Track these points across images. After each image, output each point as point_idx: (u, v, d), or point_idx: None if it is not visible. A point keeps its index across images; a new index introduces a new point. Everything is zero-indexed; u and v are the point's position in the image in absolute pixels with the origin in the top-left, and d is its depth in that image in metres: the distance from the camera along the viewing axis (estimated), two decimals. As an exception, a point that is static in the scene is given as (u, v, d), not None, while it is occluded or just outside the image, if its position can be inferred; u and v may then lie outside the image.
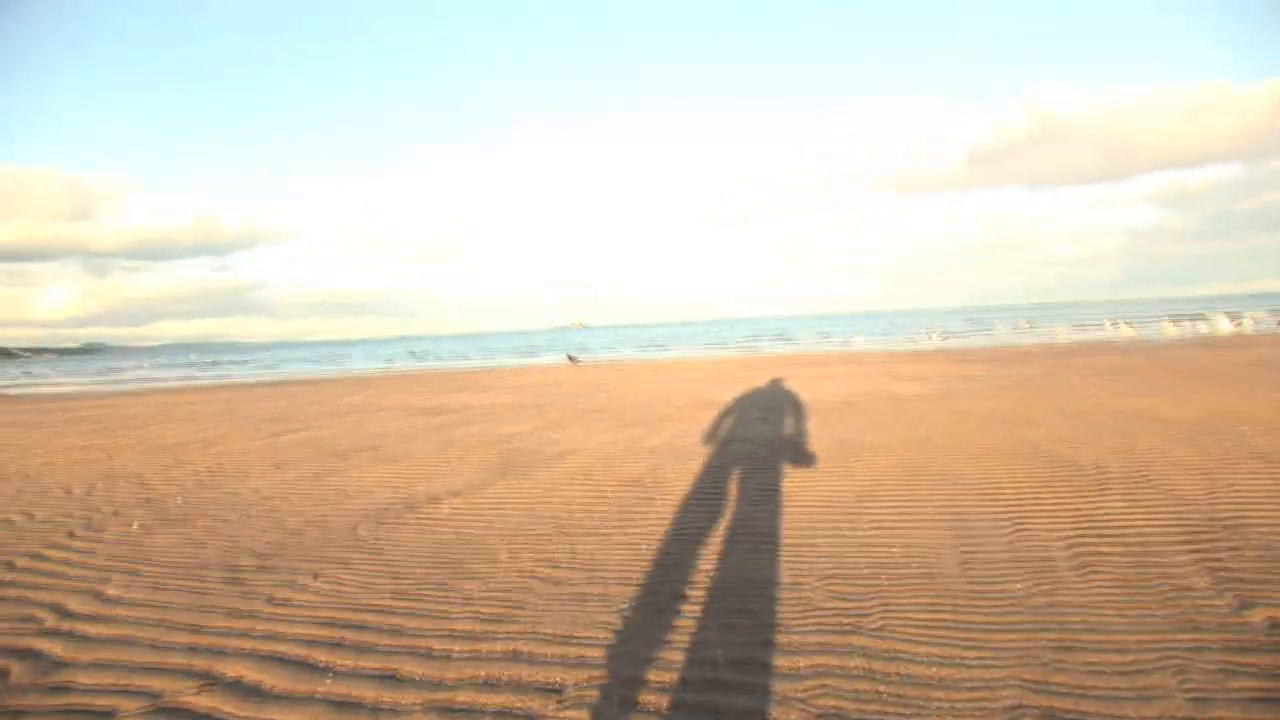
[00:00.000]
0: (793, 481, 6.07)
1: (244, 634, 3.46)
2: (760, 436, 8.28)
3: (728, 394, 13.19)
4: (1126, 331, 30.46)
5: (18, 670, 3.18)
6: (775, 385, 14.28)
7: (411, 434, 10.15)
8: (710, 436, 8.58)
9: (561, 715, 2.63)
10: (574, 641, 3.20)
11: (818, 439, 8.00)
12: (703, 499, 5.67)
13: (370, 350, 73.79)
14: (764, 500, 5.52)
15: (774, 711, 2.59)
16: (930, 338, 36.53)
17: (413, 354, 52.29)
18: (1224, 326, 29.68)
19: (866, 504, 5.29)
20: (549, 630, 3.32)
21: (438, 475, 7.20)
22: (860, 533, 4.59)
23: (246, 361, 59.06)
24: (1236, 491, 5.08)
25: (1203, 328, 30.19)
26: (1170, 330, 29.95)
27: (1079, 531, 4.38)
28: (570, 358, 34.31)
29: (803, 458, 7.06)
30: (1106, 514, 4.71)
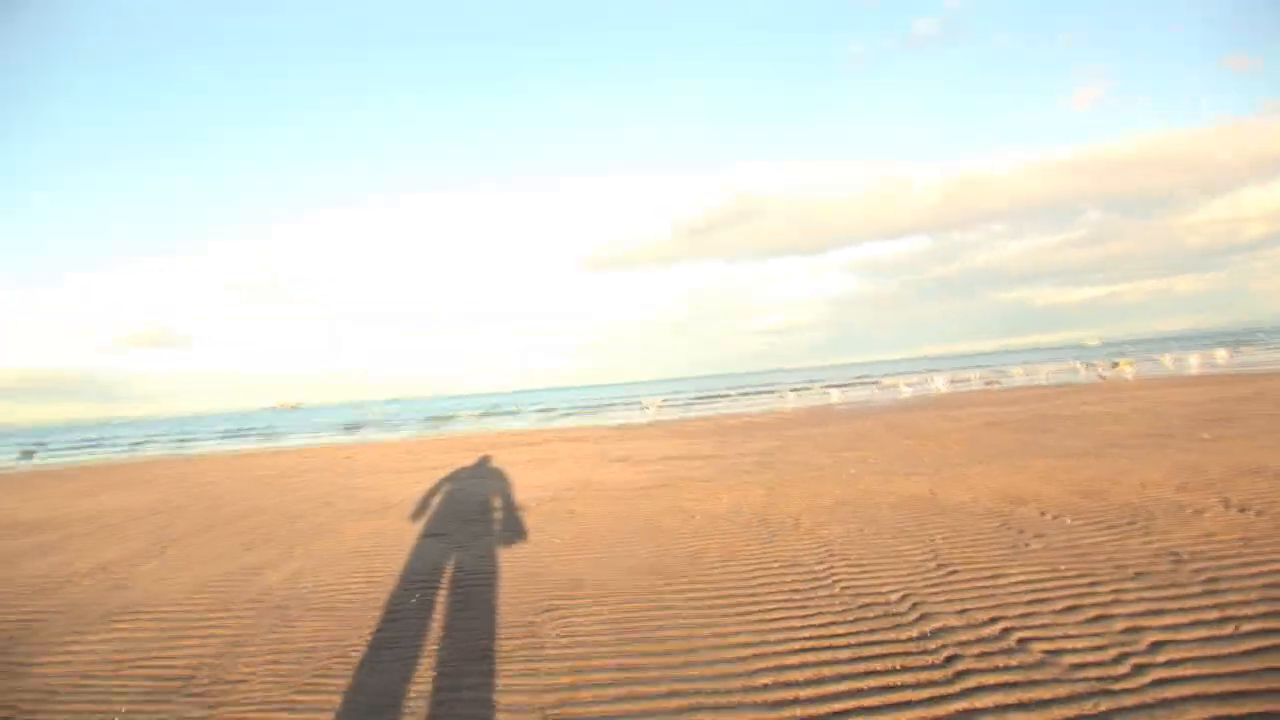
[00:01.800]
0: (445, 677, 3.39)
1: None
2: (425, 568, 5.50)
3: (414, 489, 10.11)
4: (835, 395, 30.93)
5: None
6: (473, 478, 10.99)
7: None
8: (358, 568, 5.80)
9: None
10: None
11: (508, 571, 5.43)
12: None
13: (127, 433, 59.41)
14: None
15: None
16: (646, 410, 35.20)
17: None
18: (939, 385, 31.28)
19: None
20: None
21: None
22: None
23: None
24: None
25: (907, 390, 31.31)
26: (899, 389, 30.95)
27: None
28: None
29: (478, 616, 4.37)
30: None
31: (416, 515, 8.08)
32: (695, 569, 5.00)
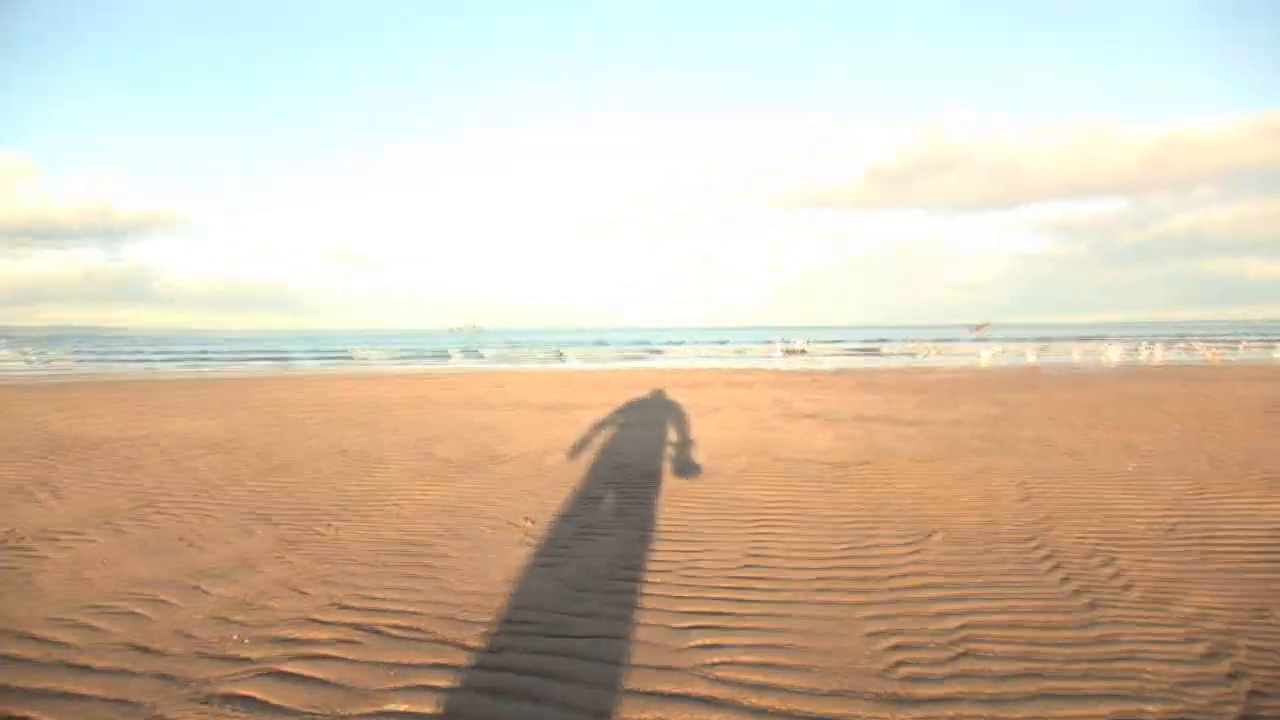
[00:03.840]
0: None
1: None
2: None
3: (537, 436, 8.41)
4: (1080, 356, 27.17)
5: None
6: (617, 425, 9.37)
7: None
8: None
9: None
10: None
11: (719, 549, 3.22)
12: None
13: (299, 346, 63.43)
14: None
15: None
16: (798, 349, 32.59)
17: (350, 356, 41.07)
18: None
19: None
20: None
21: None
22: None
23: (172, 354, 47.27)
24: None
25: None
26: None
27: None
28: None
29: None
30: None
31: (513, 482, 6.51)
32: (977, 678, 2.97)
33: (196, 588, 3.80)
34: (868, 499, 5.43)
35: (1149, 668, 2.80)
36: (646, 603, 3.56)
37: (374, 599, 3.65)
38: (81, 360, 35.90)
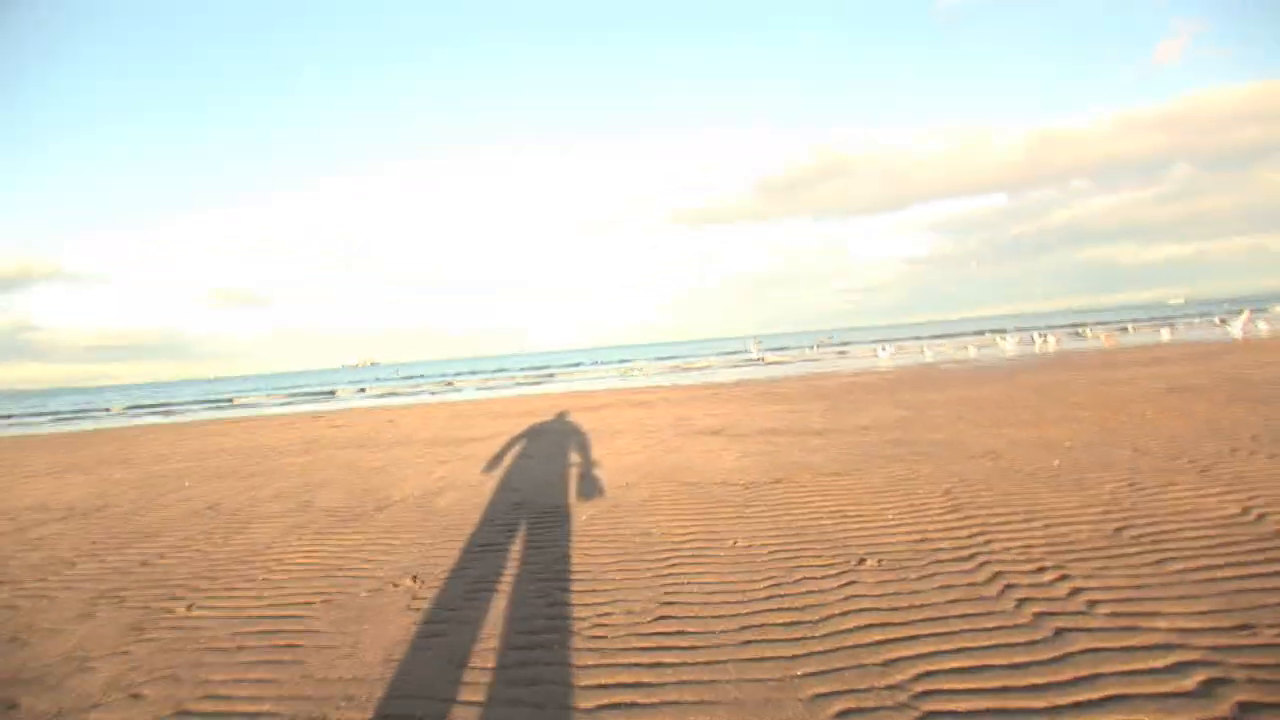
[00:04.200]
0: None
1: None
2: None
3: (421, 480, 7.56)
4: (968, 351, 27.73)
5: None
6: (510, 458, 8.67)
7: None
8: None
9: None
10: None
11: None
12: None
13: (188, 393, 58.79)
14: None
15: None
16: (752, 352, 32.55)
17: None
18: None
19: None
20: None
21: None
22: None
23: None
24: None
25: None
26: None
27: None
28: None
29: None
30: None
31: (399, 531, 5.72)
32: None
33: (5, 701, 2.96)
34: (785, 524, 4.84)
35: (1146, 718, 2.31)
36: (548, 675, 2.89)
37: (224, 697, 2.90)
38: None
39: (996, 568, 3.66)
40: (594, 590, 3.85)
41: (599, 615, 3.49)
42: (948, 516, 4.67)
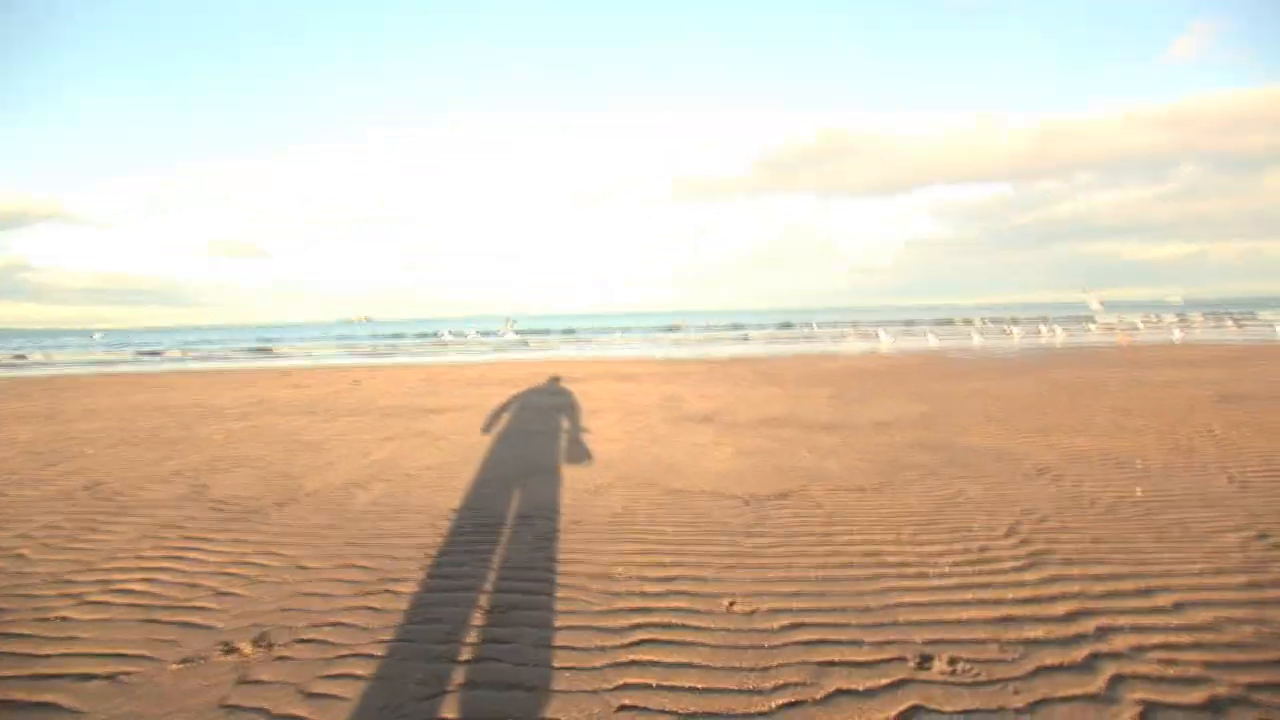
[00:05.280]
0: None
1: None
2: None
3: (362, 461, 6.19)
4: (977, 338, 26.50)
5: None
6: (513, 423, 7.36)
7: None
8: None
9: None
10: None
11: None
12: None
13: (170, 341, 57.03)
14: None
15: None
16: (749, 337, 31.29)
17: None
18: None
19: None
20: None
21: None
22: None
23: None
24: None
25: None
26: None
27: None
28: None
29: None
30: None
31: (288, 543, 4.40)
32: None
33: None
34: (802, 574, 3.50)
35: None
36: None
37: None
38: None
39: (1137, 692, 2.36)
40: (523, 687, 2.52)
41: None
42: (1027, 576, 3.36)
